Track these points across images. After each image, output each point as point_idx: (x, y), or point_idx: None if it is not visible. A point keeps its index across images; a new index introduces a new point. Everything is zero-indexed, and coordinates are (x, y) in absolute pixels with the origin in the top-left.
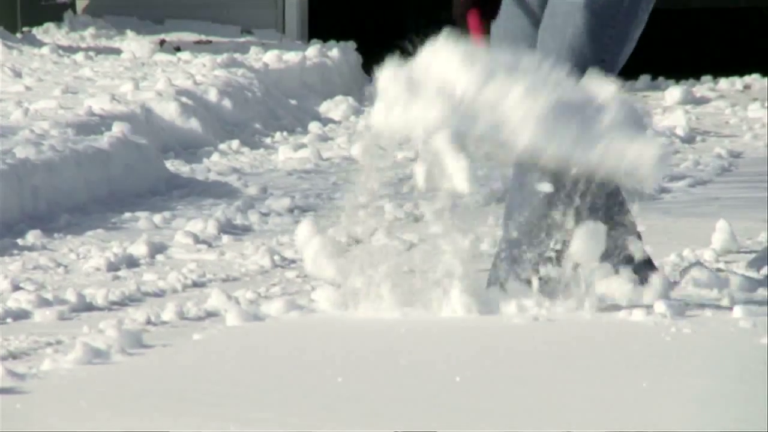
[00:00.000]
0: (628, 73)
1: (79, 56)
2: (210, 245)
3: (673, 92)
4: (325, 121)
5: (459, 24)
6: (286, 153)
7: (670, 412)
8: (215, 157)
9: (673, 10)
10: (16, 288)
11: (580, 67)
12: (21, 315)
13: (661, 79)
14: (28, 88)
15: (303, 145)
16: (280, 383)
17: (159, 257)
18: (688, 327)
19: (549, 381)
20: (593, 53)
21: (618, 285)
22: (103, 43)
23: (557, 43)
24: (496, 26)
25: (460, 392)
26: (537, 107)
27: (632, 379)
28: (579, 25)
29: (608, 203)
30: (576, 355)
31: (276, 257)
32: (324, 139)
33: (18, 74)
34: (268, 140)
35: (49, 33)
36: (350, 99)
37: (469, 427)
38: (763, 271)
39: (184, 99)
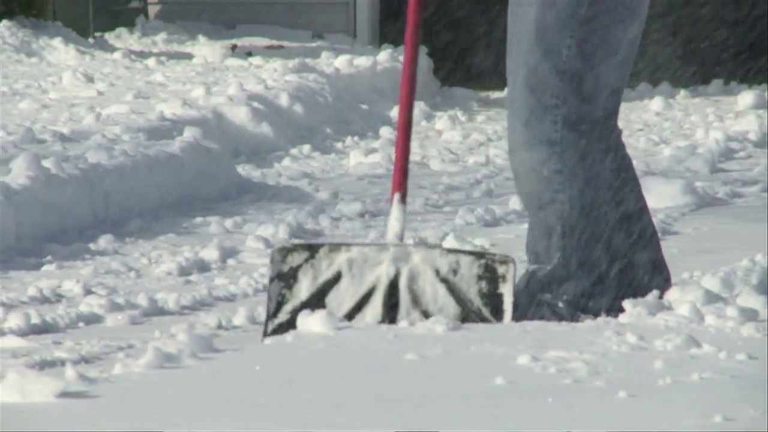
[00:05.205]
0: (701, 77)
1: (151, 61)
2: None
3: (746, 97)
4: (396, 125)
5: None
6: (357, 158)
7: (738, 415)
8: (286, 161)
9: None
10: (88, 292)
11: (536, 79)
12: (93, 319)
13: (733, 83)
14: (100, 93)
15: (374, 150)
16: (353, 389)
17: (230, 262)
18: (760, 332)
19: (612, 385)
20: (551, 65)
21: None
22: (175, 48)
23: (513, 63)
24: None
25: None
26: None
27: (700, 382)
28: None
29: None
30: (638, 359)
31: None
32: (395, 143)
33: (90, 79)
34: (339, 145)
35: (122, 38)
36: (421, 104)
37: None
38: None
39: (255, 104)
